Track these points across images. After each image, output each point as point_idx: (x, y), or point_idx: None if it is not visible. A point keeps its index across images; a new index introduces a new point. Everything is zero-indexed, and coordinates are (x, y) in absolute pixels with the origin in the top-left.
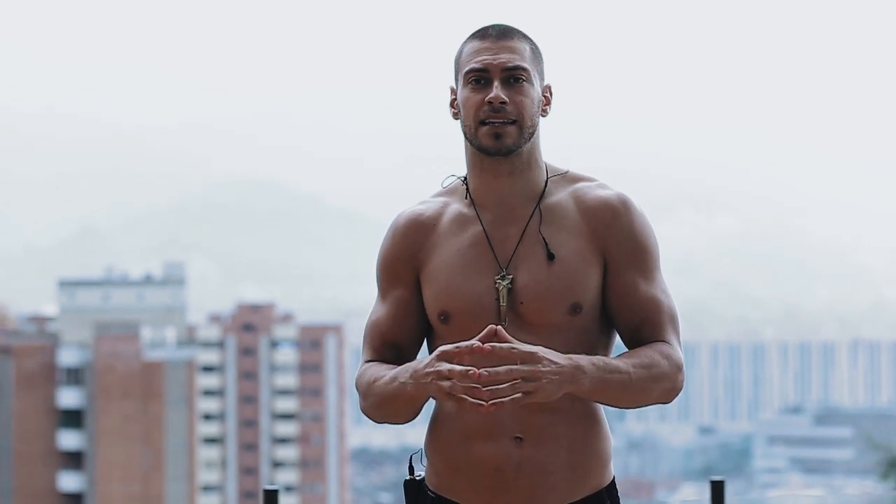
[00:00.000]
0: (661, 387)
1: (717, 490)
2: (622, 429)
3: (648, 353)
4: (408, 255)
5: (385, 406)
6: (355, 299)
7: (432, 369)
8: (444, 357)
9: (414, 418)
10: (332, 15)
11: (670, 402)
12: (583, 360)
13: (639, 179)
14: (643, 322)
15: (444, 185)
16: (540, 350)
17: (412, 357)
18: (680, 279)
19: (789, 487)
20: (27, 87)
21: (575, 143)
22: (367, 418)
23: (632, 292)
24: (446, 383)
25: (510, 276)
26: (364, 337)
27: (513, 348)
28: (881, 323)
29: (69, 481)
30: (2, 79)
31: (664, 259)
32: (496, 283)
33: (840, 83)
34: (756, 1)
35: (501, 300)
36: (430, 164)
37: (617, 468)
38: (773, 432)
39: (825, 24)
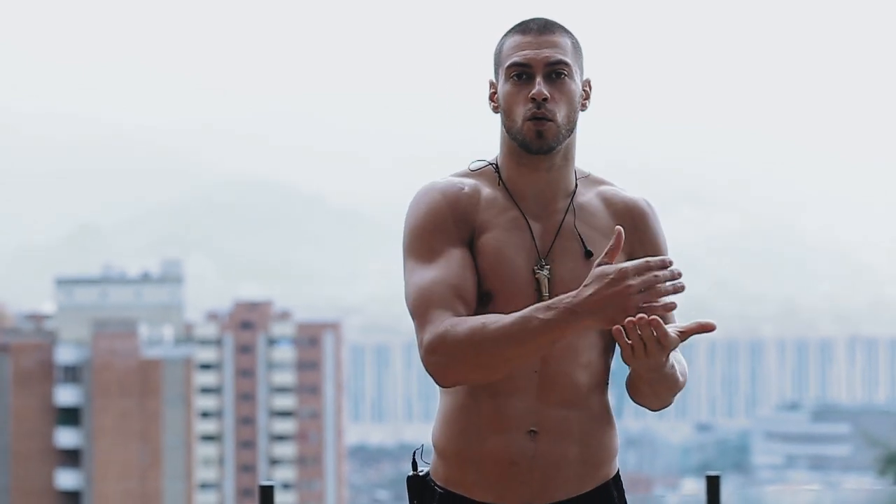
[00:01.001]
0: (674, 392)
1: (713, 485)
2: (620, 426)
3: (679, 360)
4: (463, 217)
5: (508, 347)
6: (353, 297)
7: (610, 285)
8: (625, 275)
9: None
10: (332, 15)
11: (668, 405)
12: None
13: (638, 177)
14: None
15: (472, 168)
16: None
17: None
18: None
19: (787, 483)
20: (26, 86)
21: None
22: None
23: None
24: (636, 297)
25: (548, 267)
26: (421, 302)
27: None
28: (879, 320)
29: (67, 479)
30: (0, 78)
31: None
32: (535, 272)
33: (839, 82)
34: (755, 0)
35: (544, 290)
36: (429, 164)
37: None
38: (770, 429)
39: (824, 23)
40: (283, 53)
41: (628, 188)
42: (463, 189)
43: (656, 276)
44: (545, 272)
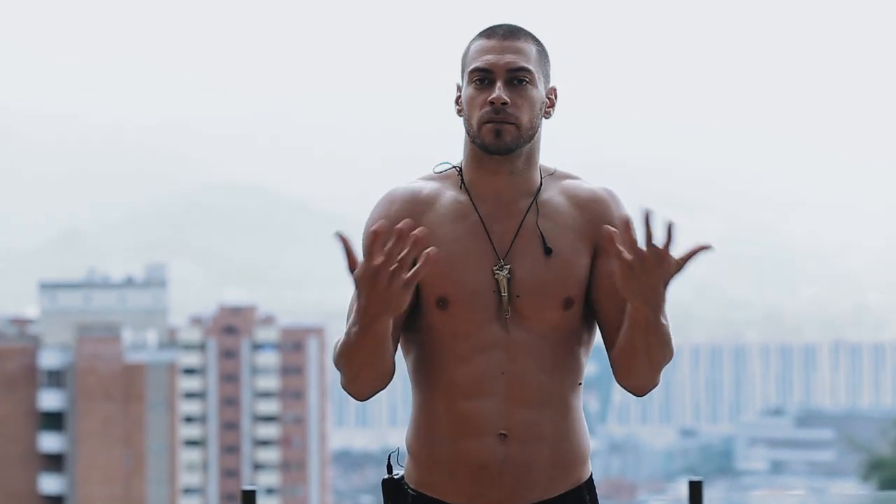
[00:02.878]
0: (663, 363)
1: (696, 490)
2: (604, 430)
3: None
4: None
5: (352, 363)
6: (338, 302)
7: (366, 271)
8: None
9: (388, 372)
10: (318, 17)
11: (656, 382)
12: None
13: (620, 179)
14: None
15: (436, 171)
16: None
17: (396, 336)
18: None
19: (772, 489)
20: (10, 87)
21: (561, 143)
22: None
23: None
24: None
25: (508, 267)
26: (349, 309)
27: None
28: (863, 325)
29: (50, 484)
30: None
31: None
32: (495, 273)
33: (825, 86)
34: (743, 2)
35: (502, 290)
36: (414, 166)
37: (598, 470)
38: (754, 434)
39: (812, 26)
40: (268, 57)
41: (593, 180)
42: (418, 194)
43: (390, 251)
44: (504, 272)
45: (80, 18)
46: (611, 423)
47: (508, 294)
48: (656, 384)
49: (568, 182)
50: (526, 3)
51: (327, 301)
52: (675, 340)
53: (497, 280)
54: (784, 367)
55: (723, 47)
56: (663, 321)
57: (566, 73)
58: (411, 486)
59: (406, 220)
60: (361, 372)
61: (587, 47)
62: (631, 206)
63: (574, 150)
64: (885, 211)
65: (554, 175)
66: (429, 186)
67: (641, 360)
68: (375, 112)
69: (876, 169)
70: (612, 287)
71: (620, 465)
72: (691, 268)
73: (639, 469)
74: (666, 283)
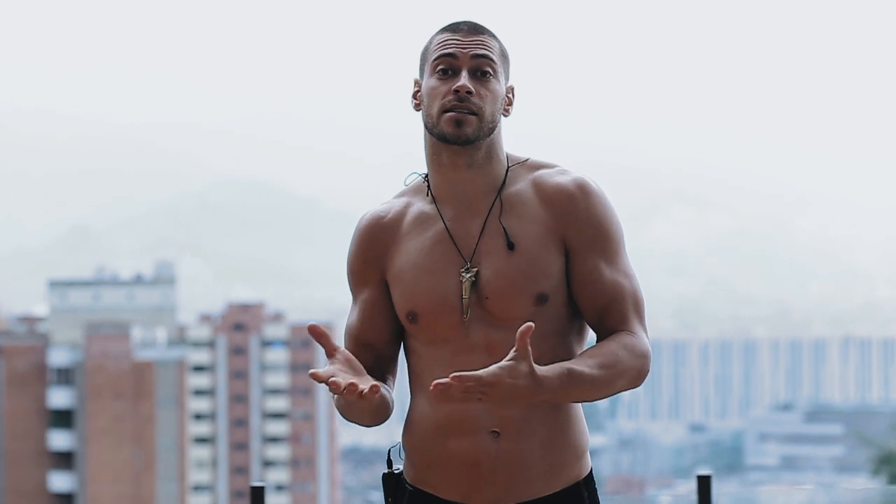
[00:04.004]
0: (624, 379)
1: (704, 485)
2: (613, 426)
3: (612, 350)
4: (372, 257)
5: (350, 418)
6: (346, 299)
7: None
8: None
9: (379, 423)
10: (325, 16)
11: (637, 386)
12: (551, 378)
13: (631, 177)
14: (607, 307)
15: (407, 184)
16: (504, 380)
17: (388, 356)
18: (672, 277)
19: (780, 484)
20: (19, 87)
21: (568, 140)
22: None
23: (594, 278)
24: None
25: (474, 269)
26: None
27: (478, 379)
28: (872, 320)
29: (60, 481)
30: None
31: (656, 256)
32: (461, 276)
33: (832, 82)
34: (757, 4)
35: (464, 293)
36: (422, 164)
37: (607, 465)
38: (764, 429)
39: (817, 24)
40: (277, 55)
41: (572, 168)
42: (383, 219)
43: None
44: (469, 275)
45: (90, 19)
46: (620, 419)
47: (477, 297)
48: (637, 386)
49: (539, 173)
50: (533, 5)
51: (336, 298)
52: (685, 336)
53: (462, 283)
54: (793, 363)
55: (735, 49)
56: (562, 389)
57: (583, 74)
58: (409, 481)
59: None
60: (362, 422)
61: (603, 49)
62: (639, 202)
63: (588, 149)
64: (894, 207)
65: (524, 164)
66: (396, 206)
67: (592, 400)
68: (384, 110)
69: (885, 166)
70: (589, 285)
71: (629, 460)
72: (701, 264)
73: (648, 464)
74: (529, 385)
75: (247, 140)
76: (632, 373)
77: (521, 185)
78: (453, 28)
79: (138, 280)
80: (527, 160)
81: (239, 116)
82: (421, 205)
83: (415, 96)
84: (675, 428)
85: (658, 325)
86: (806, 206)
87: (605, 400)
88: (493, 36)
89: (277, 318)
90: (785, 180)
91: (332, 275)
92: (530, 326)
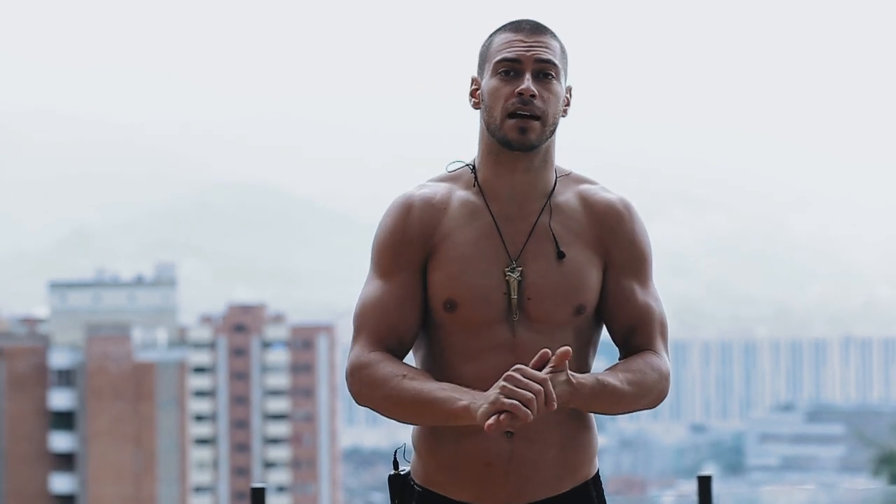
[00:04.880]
0: (648, 398)
1: (705, 485)
2: (614, 427)
3: (640, 367)
4: (419, 237)
5: (407, 409)
6: (346, 300)
7: (501, 385)
8: (513, 380)
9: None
10: (324, 17)
11: (656, 406)
12: (585, 385)
13: (630, 177)
14: (636, 328)
15: (449, 170)
16: (549, 379)
17: (408, 345)
18: (672, 278)
19: (781, 484)
20: (20, 88)
21: (568, 141)
22: (359, 408)
23: (628, 298)
24: (508, 401)
25: (520, 269)
26: (362, 319)
27: (537, 377)
28: (872, 320)
29: (61, 483)
30: None
31: (657, 256)
32: (506, 275)
33: (831, 82)
34: (758, 6)
35: (512, 293)
36: (421, 165)
37: (608, 466)
38: (764, 430)
39: (816, 24)
40: (276, 56)
41: (611, 187)
42: (432, 200)
43: (524, 393)
44: (516, 274)
45: (92, 21)
46: (621, 420)
47: (519, 296)
48: (650, 408)
49: (585, 187)
50: (539, 6)
51: (337, 299)
52: (685, 336)
53: (508, 282)
54: (794, 363)
55: (735, 49)
56: (594, 398)
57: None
58: (417, 482)
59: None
60: (415, 421)
61: (604, 51)
62: (638, 203)
63: (588, 150)
64: (894, 207)
65: (570, 177)
66: (441, 190)
67: (614, 414)
68: (384, 113)
69: (885, 166)
70: (623, 304)
71: (631, 461)
72: (701, 264)
73: (649, 465)
74: (569, 395)
75: (247, 142)
76: (655, 393)
77: (567, 196)
78: (516, 27)
79: (139, 281)
80: (570, 173)
81: (239, 118)
82: (466, 194)
83: (473, 94)
84: (677, 428)
85: None
86: (806, 207)
87: None
88: (555, 36)
89: (278, 319)
90: (785, 181)
91: (333, 276)
92: (568, 352)
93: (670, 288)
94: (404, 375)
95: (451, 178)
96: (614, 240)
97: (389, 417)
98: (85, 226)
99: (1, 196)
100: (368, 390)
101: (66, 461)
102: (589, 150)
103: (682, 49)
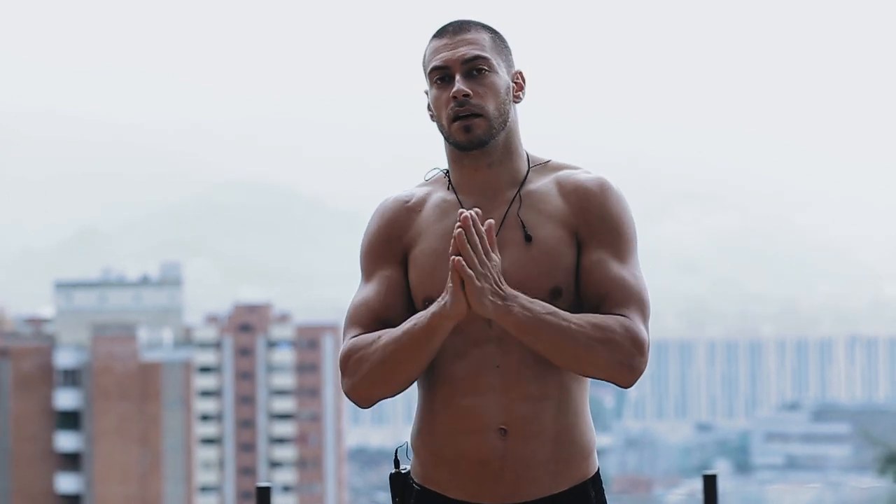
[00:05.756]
0: (610, 354)
1: (710, 484)
2: (619, 426)
3: (603, 318)
4: (395, 235)
5: (391, 358)
6: (347, 310)
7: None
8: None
9: (413, 379)
10: (331, 16)
11: (628, 383)
12: (523, 297)
13: (639, 176)
14: (606, 296)
15: (427, 178)
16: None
17: None
18: (679, 276)
19: (787, 483)
20: (26, 88)
21: (577, 140)
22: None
23: (600, 269)
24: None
25: None
26: (349, 318)
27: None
28: (879, 319)
29: (67, 483)
30: (0, 80)
31: (663, 255)
32: None
33: (839, 81)
34: (764, 6)
35: None
36: (429, 164)
37: (614, 465)
38: (770, 429)
39: (825, 22)
40: (281, 55)
41: (593, 170)
42: (406, 201)
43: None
44: None
45: (97, 21)
46: (627, 419)
47: None
48: (626, 382)
49: (563, 172)
50: (534, 6)
51: (342, 298)
52: (692, 335)
53: None
54: (800, 362)
55: (739, 50)
56: (538, 328)
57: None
58: (416, 480)
59: (475, 210)
60: (406, 368)
61: (614, 52)
62: (646, 202)
63: (595, 150)
64: None
65: (547, 165)
66: (418, 193)
67: (567, 359)
68: (388, 113)
69: (891, 165)
70: (594, 275)
71: (636, 460)
72: (707, 263)
73: (655, 464)
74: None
75: (251, 141)
76: (618, 354)
77: (543, 182)
78: (440, 33)
79: (144, 281)
80: (548, 161)
81: (243, 118)
82: (442, 193)
83: (429, 108)
84: (682, 427)
85: (665, 324)
86: (812, 205)
87: (612, 399)
88: (483, 27)
89: (284, 318)
90: (791, 179)
91: (338, 275)
92: (491, 223)
93: (676, 287)
94: (379, 337)
95: (431, 183)
96: (584, 216)
97: (389, 382)
98: (91, 226)
99: (7, 196)
100: (360, 372)
101: (71, 461)
102: (597, 149)
103: (685, 48)
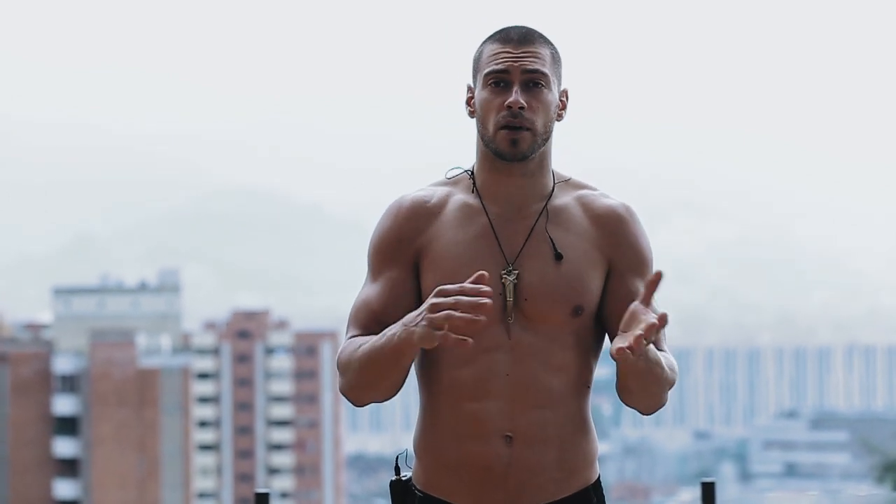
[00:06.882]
0: (664, 392)
1: (708, 492)
2: (618, 434)
3: (671, 361)
4: (409, 237)
5: (367, 369)
6: (350, 306)
7: (426, 305)
8: (440, 294)
9: (395, 389)
10: (329, 22)
11: (661, 404)
12: (652, 349)
13: (635, 184)
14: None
15: (449, 176)
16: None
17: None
18: (676, 285)
19: (785, 491)
20: (23, 94)
21: (571, 146)
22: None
23: (634, 299)
24: (439, 315)
25: (516, 272)
26: (351, 316)
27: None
28: (876, 327)
29: (64, 489)
30: None
31: (661, 264)
32: (502, 277)
33: (836, 87)
34: (753, 2)
35: (508, 295)
36: (426, 173)
37: (612, 473)
38: (768, 437)
39: (822, 27)
40: (279, 62)
41: (613, 192)
42: (425, 202)
43: (458, 299)
44: (512, 277)
45: (93, 27)
46: (625, 427)
47: (515, 297)
48: (662, 405)
49: (585, 192)
50: (542, 8)
51: (340, 305)
52: (689, 343)
53: (504, 284)
54: (798, 370)
55: (736, 56)
56: (652, 363)
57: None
58: (419, 487)
59: (480, 274)
60: (377, 381)
61: (604, 54)
62: (642, 210)
63: (590, 155)
64: None
65: (569, 183)
66: (438, 193)
67: (638, 394)
68: (388, 119)
69: (889, 173)
70: (626, 303)
71: (634, 467)
72: (705, 272)
73: (653, 472)
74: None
75: (249, 148)
76: (667, 390)
77: (566, 200)
78: (504, 38)
79: (143, 287)
80: (570, 179)
81: (241, 125)
82: (464, 196)
83: (468, 103)
84: (680, 435)
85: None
86: (809, 214)
87: (610, 407)
88: (545, 42)
89: (282, 325)
90: (789, 188)
91: (337, 282)
92: (665, 316)
93: (674, 295)
94: (361, 344)
95: (451, 183)
96: (617, 243)
97: (373, 389)
98: (89, 231)
99: (5, 202)
100: (346, 377)
101: (69, 467)
102: (593, 156)
103: (683, 54)
